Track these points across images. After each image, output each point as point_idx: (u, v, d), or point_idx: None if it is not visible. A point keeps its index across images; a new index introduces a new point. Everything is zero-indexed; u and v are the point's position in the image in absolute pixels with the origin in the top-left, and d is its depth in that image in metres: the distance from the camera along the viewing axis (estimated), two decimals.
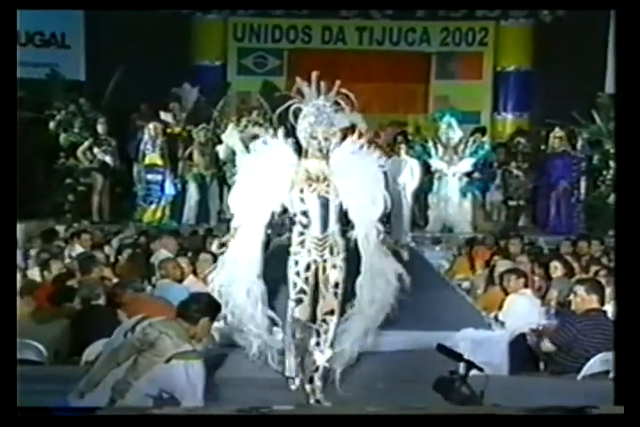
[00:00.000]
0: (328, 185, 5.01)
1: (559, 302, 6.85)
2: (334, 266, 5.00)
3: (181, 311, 4.59)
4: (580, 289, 5.99)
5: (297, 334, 4.97)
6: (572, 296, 6.13)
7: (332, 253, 5.00)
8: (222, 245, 5.34)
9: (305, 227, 5.03)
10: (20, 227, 10.39)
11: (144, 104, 12.90)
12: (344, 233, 5.08)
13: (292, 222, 5.11)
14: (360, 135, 5.46)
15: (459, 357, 2.65)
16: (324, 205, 5.01)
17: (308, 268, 4.99)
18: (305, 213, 5.03)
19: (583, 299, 5.92)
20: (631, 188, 2.88)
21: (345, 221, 5.07)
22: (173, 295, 6.36)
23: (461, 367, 2.57)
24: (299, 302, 4.97)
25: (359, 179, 5.06)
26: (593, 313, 5.86)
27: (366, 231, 5.04)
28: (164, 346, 4.18)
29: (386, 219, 5.20)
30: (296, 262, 5.02)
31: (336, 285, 5.00)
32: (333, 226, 5.03)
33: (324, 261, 5.00)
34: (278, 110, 5.38)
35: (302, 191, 5.02)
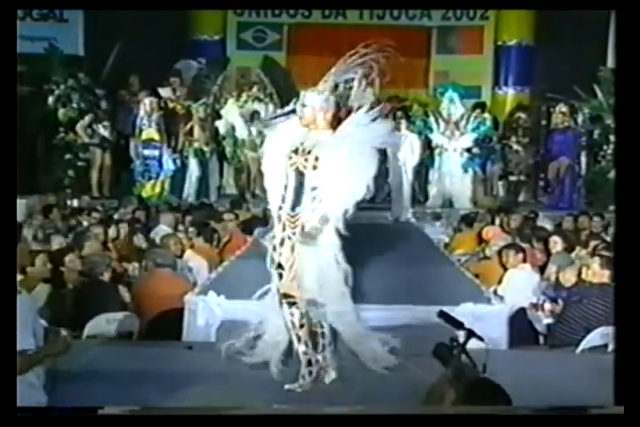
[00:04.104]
0: (306, 159, 4.76)
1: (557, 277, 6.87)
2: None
3: None
4: (595, 262, 5.99)
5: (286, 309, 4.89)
6: (583, 268, 6.14)
7: (303, 230, 4.76)
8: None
9: (282, 201, 4.86)
10: (20, 202, 10.42)
11: (132, 76, 12.82)
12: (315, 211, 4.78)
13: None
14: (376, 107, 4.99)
15: (459, 325, 2.66)
16: (299, 180, 4.78)
17: (282, 243, 4.87)
18: (285, 187, 4.87)
19: (595, 272, 5.93)
20: (631, 163, 2.87)
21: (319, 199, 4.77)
22: None
23: (461, 336, 2.58)
24: (279, 276, 4.90)
25: (349, 156, 4.73)
26: (597, 287, 5.87)
27: (331, 214, 4.77)
28: None
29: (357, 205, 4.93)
30: (273, 237, 4.94)
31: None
32: (305, 203, 4.78)
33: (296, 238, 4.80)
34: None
35: (286, 164, 4.85)
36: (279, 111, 5.46)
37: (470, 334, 2.59)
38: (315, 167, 4.76)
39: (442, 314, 2.74)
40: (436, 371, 2.71)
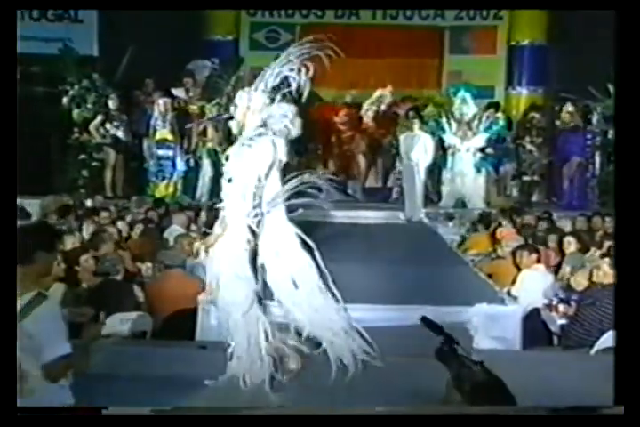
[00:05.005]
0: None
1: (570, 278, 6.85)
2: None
3: None
4: (605, 263, 5.96)
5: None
6: (594, 270, 6.12)
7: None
8: None
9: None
10: (35, 202, 10.48)
11: (148, 79, 12.87)
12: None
13: None
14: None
15: (440, 330, 2.64)
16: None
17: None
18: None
19: (605, 273, 5.90)
20: (631, 163, 2.86)
21: None
22: None
23: (441, 342, 2.56)
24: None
25: (240, 149, 4.84)
26: (609, 288, 5.85)
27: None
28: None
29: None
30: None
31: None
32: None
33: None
34: None
35: None
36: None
37: (448, 339, 2.58)
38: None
39: (424, 319, 2.72)
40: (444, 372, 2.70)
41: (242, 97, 4.82)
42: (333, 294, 4.95)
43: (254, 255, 4.85)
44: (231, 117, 4.93)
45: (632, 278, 2.75)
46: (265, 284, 4.88)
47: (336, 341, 4.89)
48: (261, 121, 4.82)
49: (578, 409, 2.31)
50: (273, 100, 4.88)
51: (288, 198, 4.98)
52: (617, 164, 3.00)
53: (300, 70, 4.80)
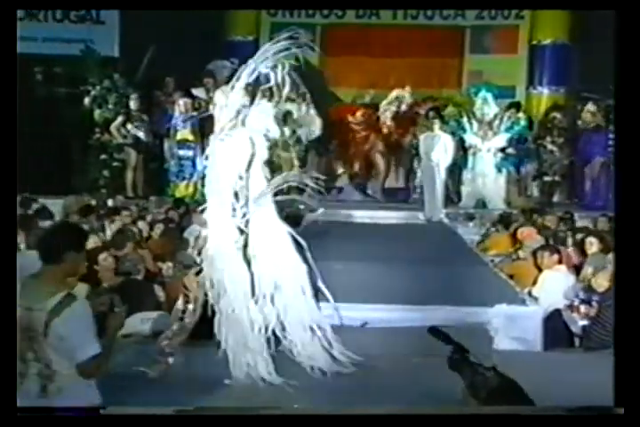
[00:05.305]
0: None
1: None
2: None
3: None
4: None
5: None
6: None
7: None
8: None
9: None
10: (58, 202, 10.56)
11: (167, 77, 12.92)
12: None
13: None
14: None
15: (449, 340, 2.61)
16: None
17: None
18: None
19: None
20: (631, 163, 2.84)
21: None
22: None
23: (451, 351, 2.53)
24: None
25: (223, 148, 4.81)
26: None
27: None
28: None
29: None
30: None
31: None
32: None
33: None
34: None
35: None
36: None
37: (458, 348, 2.56)
38: None
39: (431, 330, 2.69)
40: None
41: (219, 95, 4.81)
42: (320, 294, 4.93)
43: (244, 254, 4.83)
44: (210, 115, 4.91)
45: (632, 278, 2.73)
46: (252, 282, 4.86)
47: (307, 341, 4.86)
48: (239, 119, 4.80)
49: (577, 410, 2.29)
50: (253, 98, 4.87)
51: (274, 196, 4.93)
52: (617, 163, 2.97)
53: (275, 67, 4.75)
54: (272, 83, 4.78)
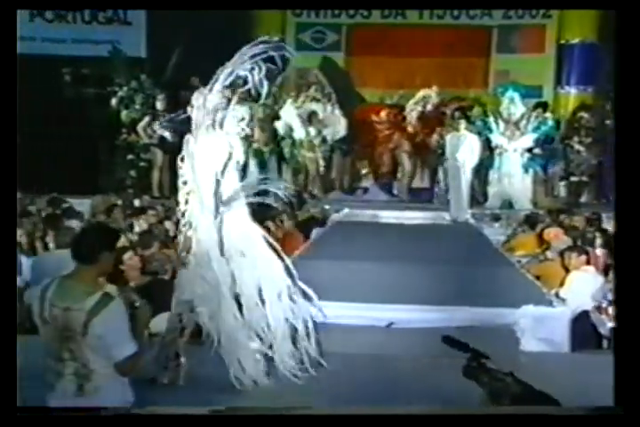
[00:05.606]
0: None
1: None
2: None
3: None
4: None
5: None
6: None
7: None
8: None
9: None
10: (85, 202, 10.65)
11: (193, 77, 12.99)
12: None
13: None
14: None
15: (465, 347, 2.57)
16: None
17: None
18: None
19: None
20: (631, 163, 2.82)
21: None
22: None
23: (469, 358, 2.49)
24: None
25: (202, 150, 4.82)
26: None
27: None
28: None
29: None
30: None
31: None
32: None
33: None
34: None
35: None
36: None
37: (476, 355, 2.52)
38: None
39: (445, 339, 2.65)
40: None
41: (197, 97, 4.83)
42: (302, 293, 4.91)
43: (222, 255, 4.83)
44: (188, 117, 4.93)
45: (630, 276, 2.71)
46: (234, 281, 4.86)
47: (279, 341, 4.85)
48: (217, 121, 4.81)
49: (577, 409, 2.27)
50: (229, 100, 4.89)
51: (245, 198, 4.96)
52: (617, 163, 2.94)
53: (252, 69, 4.76)
54: (250, 85, 4.74)
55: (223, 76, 4.81)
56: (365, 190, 13.34)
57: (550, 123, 12.42)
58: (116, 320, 3.13)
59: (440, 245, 8.10)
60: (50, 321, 3.16)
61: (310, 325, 4.87)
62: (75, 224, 7.92)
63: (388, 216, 11.08)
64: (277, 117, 12.69)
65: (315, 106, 12.80)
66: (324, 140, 12.68)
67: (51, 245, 7.22)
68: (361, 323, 5.55)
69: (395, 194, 13.18)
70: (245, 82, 4.82)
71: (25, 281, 6.39)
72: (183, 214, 4.84)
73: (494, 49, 14.52)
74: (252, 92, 4.81)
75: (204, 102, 4.76)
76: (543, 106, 12.76)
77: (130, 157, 12.51)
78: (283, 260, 4.88)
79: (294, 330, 4.86)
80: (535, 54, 14.36)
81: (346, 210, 11.30)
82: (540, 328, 5.43)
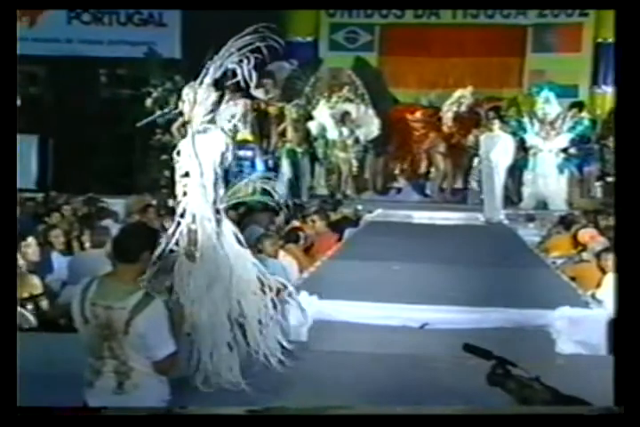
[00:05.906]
0: None
1: None
2: None
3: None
4: None
5: None
6: None
7: None
8: None
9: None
10: (120, 202, 10.76)
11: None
12: None
13: None
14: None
15: (488, 354, 2.52)
16: None
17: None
18: None
19: None
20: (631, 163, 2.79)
21: None
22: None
23: (494, 365, 2.45)
24: None
25: (195, 143, 4.84)
26: None
27: None
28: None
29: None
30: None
31: None
32: None
33: None
34: None
35: None
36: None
37: (501, 362, 2.47)
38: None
39: (466, 347, 2.60)
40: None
41: (188, 92, 4.84)
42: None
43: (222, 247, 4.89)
44: (180, 113, 4.95)
45: (630, 276, 2.68)
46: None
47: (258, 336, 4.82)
48: (210, 116, 4.82)
49: (577, 409, 2.24)
50: (222, 95, 4.90)
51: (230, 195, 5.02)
52: (617, 163, 2.90)
53: (241, 62, 4.76)
54: (239, 77, 4.76)
55: (212, 70, 4.81)
56: (398, 191, 13.32)
57: (586, 123, 12.30)
58: (158, 319, 3.16)
59: (474, 245, 8.06)
60: (90, 320, 3.19)
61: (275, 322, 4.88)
62: (110, 224, 8.00)
63: (421, 217, 11.04)
64: (311, 118, 12.71)
65: (348, 106, 12.80)
66: (356, 141, 12.68)
67: (87, 245, 7.31)
68: (394, 323, 5.52)
69: (428, 194, 13.13)
70: (235, 74, 4.80)
71: (61, 280, 6.47)
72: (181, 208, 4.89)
73: (529, 48, 14.41)
74: (242, 84, 4.83)
75: (195, 96, 4.78)
76: (579, 106, 12.63)
77: (164, 157, 12.61)
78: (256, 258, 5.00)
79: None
80: (571, 53, 14.22)
81: (379, 210, 11.28)
82: (576, 330, 5.36)
